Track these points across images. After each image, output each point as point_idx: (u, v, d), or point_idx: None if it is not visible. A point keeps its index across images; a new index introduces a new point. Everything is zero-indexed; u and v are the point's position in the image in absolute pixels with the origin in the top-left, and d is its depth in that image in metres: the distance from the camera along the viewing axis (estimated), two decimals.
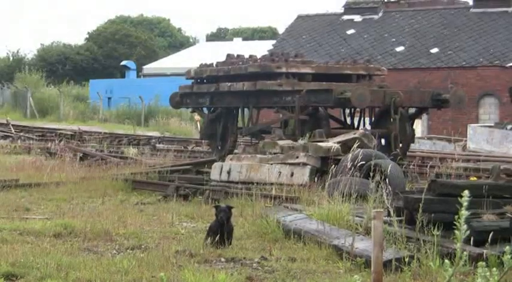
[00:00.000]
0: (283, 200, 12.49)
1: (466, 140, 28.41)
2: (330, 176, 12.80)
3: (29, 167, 17.64)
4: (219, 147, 19.16)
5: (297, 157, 14.62)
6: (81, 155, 20.13)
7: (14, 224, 10.64)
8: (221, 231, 9.26)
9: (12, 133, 29.61)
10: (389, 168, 12.83)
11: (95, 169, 17.45)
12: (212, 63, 18.92)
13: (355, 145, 13.76)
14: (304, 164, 14.42)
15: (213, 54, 36.88)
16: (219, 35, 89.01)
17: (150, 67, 62.96)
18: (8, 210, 12.06)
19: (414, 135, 18.01)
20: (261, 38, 75.82)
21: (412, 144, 18.57)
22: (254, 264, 8.51)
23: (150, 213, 12.22)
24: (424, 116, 31.36)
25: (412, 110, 17.77)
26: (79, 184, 15.21)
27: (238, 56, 19.00)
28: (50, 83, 57.17)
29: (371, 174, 12.00)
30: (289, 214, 10.43)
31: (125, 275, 7.71)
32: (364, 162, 13.02)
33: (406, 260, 7.95)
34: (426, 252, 8.12)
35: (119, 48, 72.34)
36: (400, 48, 39.34)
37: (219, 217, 9.39)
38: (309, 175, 14.23)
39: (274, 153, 15.25)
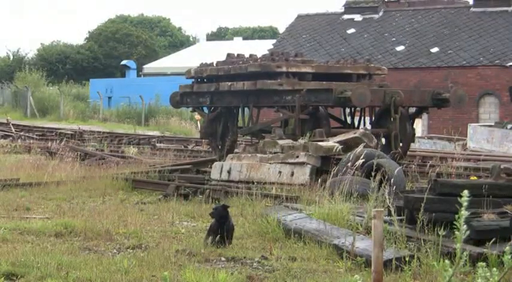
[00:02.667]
0: (284, 199, 12.50)
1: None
2: (330, 175, 12.81)
3: (29, 166, 17.63)
4: (219, 147, 19.17)
5: (297, 156, 14.63)
6: (81, 154, 20.12)
7: (15, 224, 10.64)
8: (221, 230, 9.27)
9: (12, 132, 29.62)
10: (390, 168, 12.85)
11: (95, 168, 17.45)
12: (212, 63, 18.93)
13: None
14: (305, 164, 14.42)
15: (213, 53, 36.91)
16: (219, 35, 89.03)
17: (150, 66, 62.99)
18: (8, 210, 12.07)
19: (414, 134, 18.02)
20: (261, 38, 75.85)
21: (412, 144, 18.58)
22: (254, 264, 8.52)
23: (150, 212, 12.23)
24: (424, 116, 31.35)
25: (412, 110, 17.77)
26: (79, 183, 15.21)
27: (238, 55, 19.00)
28: (50, 82, 57.21)
29: (372, 173, 12.02)
30: (290, 213, 10.43)
31: (125, 274, 7.72)
32: (365, 162, 13.03)
33: (407, 259, 7.95)
34: (426, 251, 8.13)
35: (119, 48, 72.36)
36: (400, 48, 39.35)
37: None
38: (309, 174, 14.23)
39: (275, 153, 15.25)
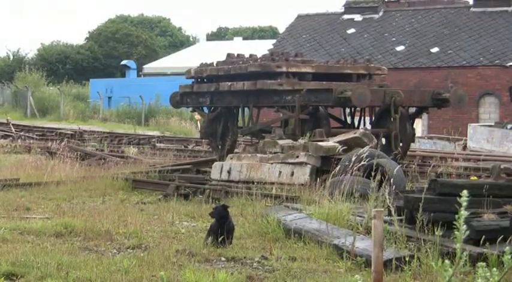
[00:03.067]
0: (284, 199, 12.50)
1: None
2: (330, 175, 12.81)
3: (29, 166, 17.63)
4: (219, 147, 19.16)
5: (297, 156, 14.62)
6: (81, 154, 20.12)
7: (15, 224, 10.64)
8: (221, 230, 9.27)
9: (12, 132, 29.61)
10: (390, 168, 12.84)
11: (95, 168, 17.44)
12: (212, 63, 18.92)
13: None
14: (305, 164, 14.42)
15: (213, 53, 36.88)
16: (219, 35, 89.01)
17: (150, 66, 62.96)
18: (8, 210, 12.07)
19: (414, 134, 18.02)
20: (261, 38, 75.83)
21: (412, 144, 18.57)
22: (254, 264, 8.51)
23: (150, 212, 12.22)
24: (424, 116, 31.35)
25: (412, 110, 17.77)
26: (79, 183, 15.20)
27: (238, 55, 18.99)
28: (50, 82, 57.20)
29: (372, 173, 12.01)
30: (290, 213, 10.43)
31: (125, 274, 7.72)
32: (365, 162, 13.02)
33: (407, 259, 7.95)
34: (426, 251, 8.13)
35: (119, 48, 72.34)
36: (400, 48, 39.33)
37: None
38: (309, 174, 14.23)
39: (275, 153, 15.24)
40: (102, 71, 69.64)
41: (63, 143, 22.19)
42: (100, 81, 55.91)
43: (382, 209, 7.88)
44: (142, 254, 8.81)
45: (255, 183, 14.35)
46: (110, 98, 51.23)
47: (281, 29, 65.89)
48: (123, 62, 62.59)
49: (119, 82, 56.27)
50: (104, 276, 7.59)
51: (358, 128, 17.28)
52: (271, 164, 14.90)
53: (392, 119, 16.46)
